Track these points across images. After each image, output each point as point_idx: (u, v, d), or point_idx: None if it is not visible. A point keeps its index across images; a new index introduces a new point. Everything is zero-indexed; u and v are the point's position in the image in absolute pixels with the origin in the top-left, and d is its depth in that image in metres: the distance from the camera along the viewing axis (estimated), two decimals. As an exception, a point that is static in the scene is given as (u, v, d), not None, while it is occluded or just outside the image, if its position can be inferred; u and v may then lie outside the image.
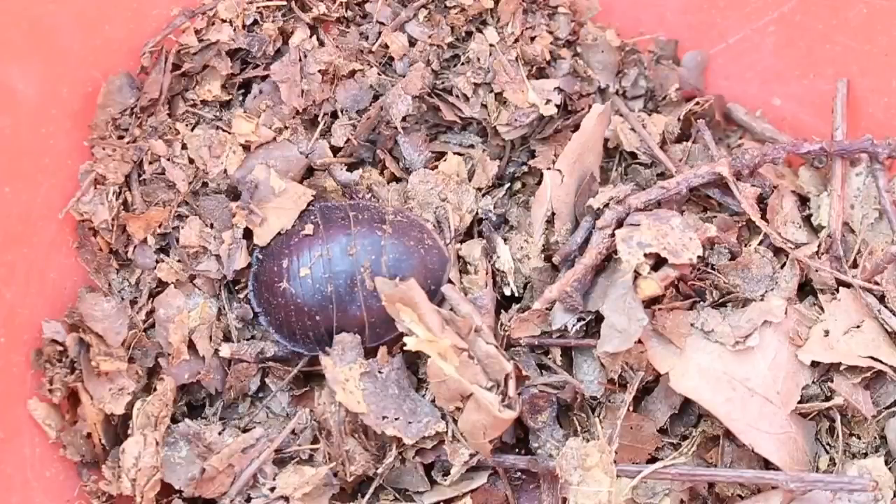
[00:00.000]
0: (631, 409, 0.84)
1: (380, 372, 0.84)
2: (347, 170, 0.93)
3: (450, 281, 0.88)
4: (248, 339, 0.90)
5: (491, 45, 0.95)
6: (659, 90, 1.01)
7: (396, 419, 0.82)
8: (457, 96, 0.95)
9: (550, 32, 0.97)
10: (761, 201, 0.89)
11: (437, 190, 0.92)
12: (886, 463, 0.81)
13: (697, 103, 0.97)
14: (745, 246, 0.86)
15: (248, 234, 0.89)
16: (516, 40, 0.95)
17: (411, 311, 0.81)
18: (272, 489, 0.83)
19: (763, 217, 0.88)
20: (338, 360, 0.84)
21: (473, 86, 0.94)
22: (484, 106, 0.95)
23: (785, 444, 0.80)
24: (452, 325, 0.82)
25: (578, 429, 0.86)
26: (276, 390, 0.90)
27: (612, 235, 0.83)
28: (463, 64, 0.95)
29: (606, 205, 0.86)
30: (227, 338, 0.90)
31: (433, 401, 0.83)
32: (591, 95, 0.98)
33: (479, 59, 0.94)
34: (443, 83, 0.95)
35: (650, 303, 0.82)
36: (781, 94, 0.99)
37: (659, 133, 0.95)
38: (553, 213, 0.90)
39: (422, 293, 0.81)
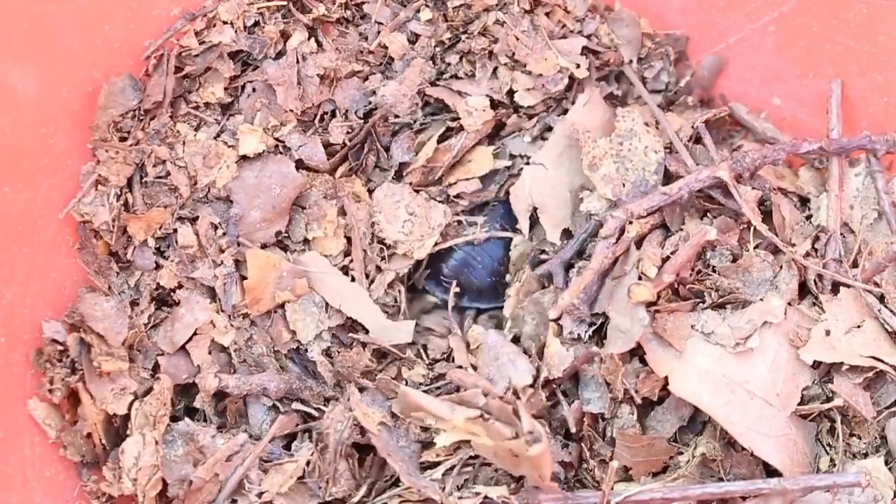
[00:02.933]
0: (638, 428, 0.83)
1: (396, 428, 0.84)
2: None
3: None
4: (241, 362, 0.88)
5: (499, 23, 0.93)
6: (673, 86, 0.98)
7: (399, 463, 0.82)
8: (459, 77, 0.94)
9: (567, 11, 0.95)
10: (762, 204, 0.88)
11: (404, 203, 0.91)
12: (886, 463, 0.80)
13: (713, 113, 0.94)
14: (746, 251, 0.84)
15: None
16: (528, 12, 0.94)
17: (423, 412, 0.80)
18: (259, 495, 0.82)
19: (767, 220, 0.86)
20: (367, 401, 0.85)
21: (485, 53, 0.93)
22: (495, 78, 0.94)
23: (785, 446, 0.79)
24: (463, 403, 0.80)
25: (586, 452, 0.84)
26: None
27: (617, 242, 0.83)
28: (468, 38, 0.94)
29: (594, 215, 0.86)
30: (224, 349, 0.88)
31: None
32: (616, 69, 0.95)
33: (486, 31, 0.93)
34: (445, 68, 0.94)
35: (651, 304, 0.81)
36: (781, 94, 0.97)
37: (672, 132, 0.93)
38: (535, 208, 0.89)
39: (415, 393, 0.81)
